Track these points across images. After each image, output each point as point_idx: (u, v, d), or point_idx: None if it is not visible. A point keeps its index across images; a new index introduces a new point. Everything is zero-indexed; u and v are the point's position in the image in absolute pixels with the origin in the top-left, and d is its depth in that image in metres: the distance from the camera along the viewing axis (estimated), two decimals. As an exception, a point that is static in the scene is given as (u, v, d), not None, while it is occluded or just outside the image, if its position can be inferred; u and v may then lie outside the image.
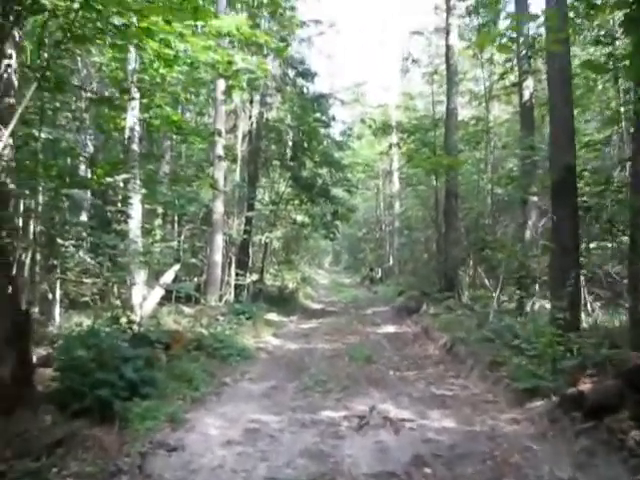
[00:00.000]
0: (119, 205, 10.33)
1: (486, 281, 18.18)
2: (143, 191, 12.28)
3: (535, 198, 15.70)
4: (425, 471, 5.29)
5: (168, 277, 13.70)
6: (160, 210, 18.52)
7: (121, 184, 10.66)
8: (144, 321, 12.67)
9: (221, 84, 17.36)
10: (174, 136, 20.00)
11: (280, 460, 5.64)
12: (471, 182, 23.91)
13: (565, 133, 9.58)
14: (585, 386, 6.32)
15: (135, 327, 10.69)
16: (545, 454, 5.60)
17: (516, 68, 17.29)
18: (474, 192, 22.81)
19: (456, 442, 6.03)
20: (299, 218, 26.62)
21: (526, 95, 16.14)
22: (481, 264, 20.01)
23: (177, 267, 14.16)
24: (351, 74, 61.68)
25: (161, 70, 10.16)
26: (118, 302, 13.06)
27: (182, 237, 15.40)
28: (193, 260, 13.69)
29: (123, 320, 10.43)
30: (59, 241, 11.42)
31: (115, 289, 11.64)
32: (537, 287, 15.81)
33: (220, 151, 16.13)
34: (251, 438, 6.34)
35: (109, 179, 9.62)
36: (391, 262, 39.51)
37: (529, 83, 16.19)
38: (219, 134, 14.63)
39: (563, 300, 8.92)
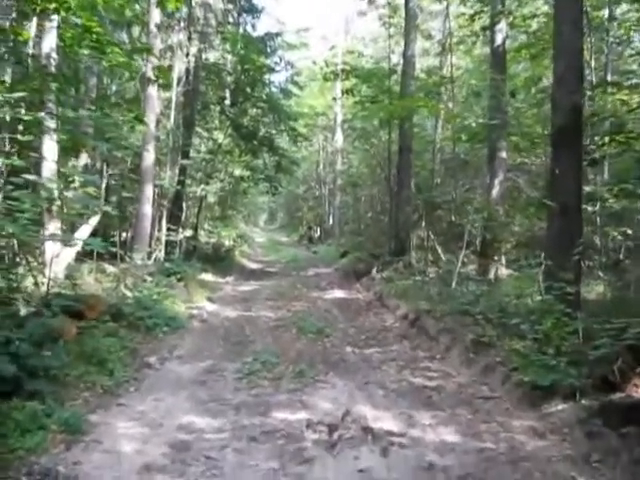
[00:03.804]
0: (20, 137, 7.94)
1: (436, 244, 16.78)
2: (52, 122, 10.12)
3: (504, 154, 14.14)
4: (441, 527, 3.56)
5: (84, 231, 11.61)
6: (84, 155, 16.27)
7: (22, 111, 8.36)
8: (59, 282, 10.70)
9: (155, 14, 15.16)
10: (100, 69, 17.69)
11: (222, 505, 3.82)
12: (424, 137, 22.26)
13: (573, 67, 7.85)
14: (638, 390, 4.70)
15: (42, 290, 8.70)
16: (601, 495, 3.96)
17: (486, 9, 15.50)
18: (428, 148, 21.16)
19: (469, 470, 4.30)
20: (238, 172, 24.68)
21: (498, 39, 14.40)
22: (432, 226, 18.55)
23: (95, 219, 12.04)
24: (298, 17, 57.73)
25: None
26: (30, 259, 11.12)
27: (103, 184, 13.18)
28: (107, 209, 11.50)
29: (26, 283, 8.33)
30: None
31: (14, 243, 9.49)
32: (502, 252, 14.46)
33: (150, 73, 13.50)
34: (180, 460, 4.45)
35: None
36: (331, 221, 37.86)
37: (502, 26, 14.45)
38: (148, 51, 12.13)
39: (567, 271, 7.27)
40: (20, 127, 8.08)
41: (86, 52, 8.53)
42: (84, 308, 8.70)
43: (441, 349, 8.56)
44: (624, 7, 17.39)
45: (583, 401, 5.22)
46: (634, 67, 17.18)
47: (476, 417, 5.50)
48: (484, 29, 15.63)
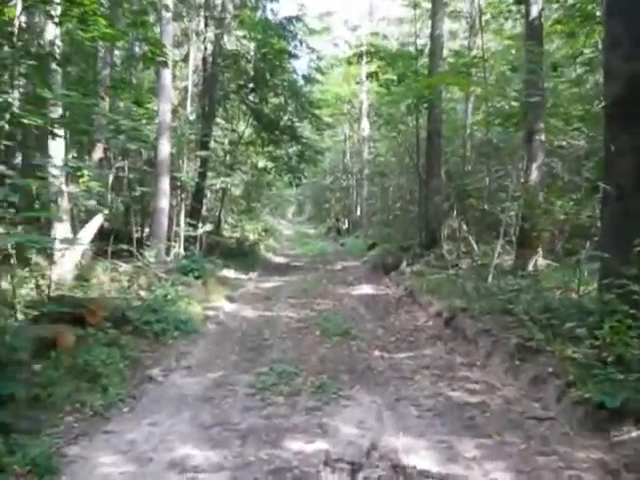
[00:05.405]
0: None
1: (469, 235, 15.78)
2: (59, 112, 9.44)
3: (542, 136, 13.04)
4: None
5: (90, 229, 10.84)
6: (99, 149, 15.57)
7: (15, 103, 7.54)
8: (67, 284, 10.08)
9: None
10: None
11: None
12: (454, 122, 21.21)
13: (631, 28, 6.82)
14: None
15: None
16: None
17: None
18: (459, 134, 20.10)
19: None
20: (261, 163, 23.90)
21: (534, 12, 13.24)
22: (464, 215, 17.56)
23: (101, 217, 11.27)
24: (321, 1, 55.73)
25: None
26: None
27: (111, 178, 12.38)
28: (98, 206, 10.73)
29: None
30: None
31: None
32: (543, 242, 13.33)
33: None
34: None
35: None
36: (359, 212, 36.91)
37: (538, -4, 13.34)
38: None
39: (630, 265, 6.16)
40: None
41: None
42: (85, 313, 7.91)
43: (481, 354, 7.60)
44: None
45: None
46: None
47: (530, 446, 4.50)
48: (519, 2, 14.51)
